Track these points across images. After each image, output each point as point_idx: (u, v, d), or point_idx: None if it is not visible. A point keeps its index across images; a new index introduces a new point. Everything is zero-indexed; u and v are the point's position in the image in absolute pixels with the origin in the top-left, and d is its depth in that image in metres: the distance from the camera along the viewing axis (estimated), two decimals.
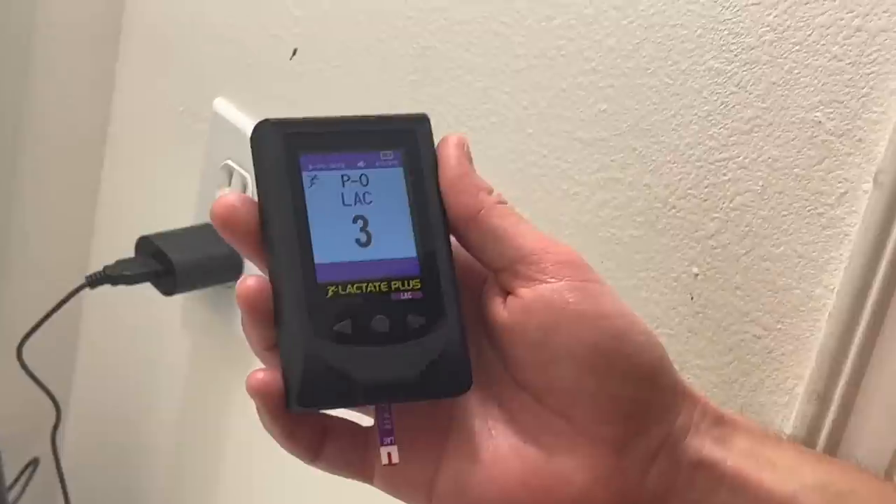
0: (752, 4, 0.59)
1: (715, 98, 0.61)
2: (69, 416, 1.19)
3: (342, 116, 0.50)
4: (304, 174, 0.48)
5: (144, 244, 0.95)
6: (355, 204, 0.49)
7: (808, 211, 0.58)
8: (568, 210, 0.69)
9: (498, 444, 0.49)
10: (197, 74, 0.99)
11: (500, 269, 0.49)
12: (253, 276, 0.47)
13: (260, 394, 0.47)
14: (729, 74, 0.60)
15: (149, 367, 1.13)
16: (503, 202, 0.50)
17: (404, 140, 0.50)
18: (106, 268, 0.93)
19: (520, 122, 0.72)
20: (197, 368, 1.07)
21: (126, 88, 1.09)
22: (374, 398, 0.48)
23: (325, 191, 0.48)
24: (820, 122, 0.57)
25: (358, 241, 0.48)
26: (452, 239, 0.50)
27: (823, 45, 0.56)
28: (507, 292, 0.49)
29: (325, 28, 0.85)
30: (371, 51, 0.82)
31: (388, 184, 0.49)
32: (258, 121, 0.49)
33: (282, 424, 0.48)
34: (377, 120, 0.50)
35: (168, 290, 0.95)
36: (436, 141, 0.52)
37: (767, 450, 0.51)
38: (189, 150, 1.01)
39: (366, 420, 0.51)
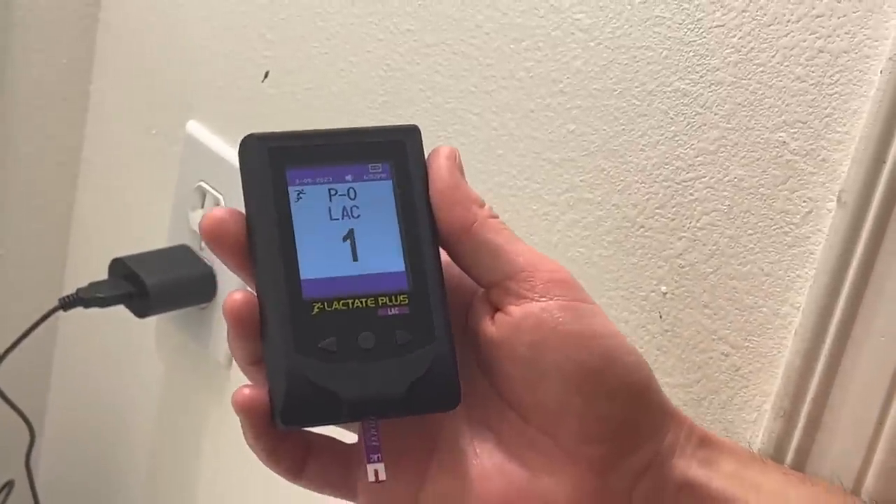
0: (717, 26, 0.59)
1: (681, 119, 0.61)
2: (43, 439, 1.18)
3: (331, 129, 0.49)
4: (291, 188, 0.47)
5: (118, 266, 0.94)
6: (343, 218, 0.48)
7: (774, 230, 0.58)
8: (538, 230, 0.69)
9: (483, 462, 0.49)
10: (170, 97, 0.99)
11: (491, 284, 0.48)
12: (240, 290, 0.47)
13: (245, 410, 0.46)
14: (694, 95, 0.60)
15: (123, 389, 1.12)
16: (495, 216, 0.49)
17: (394, 152, 0.49)
18: (79, 290, 0.93)
19: (489, 144, 0.72)
20: (171, 390, 1.06)
21: (100, 110, 1.09)
22: (360, 414, 0.47)
23: (311, 205, 0.47)
24: (784, 142, 0.57)
25: (345, 255, 0.47)
26: (442, 253, 0.49)
27: (787, 66, 0.57)
28: (496, 308, 0.48)
29: (296, 51, 0.85)
30: (342, 73, 0.82)
31: (376, 197, 0.48)
32: (245, 135, 0.48)
33: (265, 441, 0.47)
34: (366, 132, 0.49)
35: (142, 312, 0.94)
36: (426, 152, 0.51)
37: (753, 472, 0.50)
38: (162, 173, 1.00)
39: (349, 437, 0.51)
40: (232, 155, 0.92)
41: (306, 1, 0.84)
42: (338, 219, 0.48)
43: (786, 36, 0.56)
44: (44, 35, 1.05)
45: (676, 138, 0.61)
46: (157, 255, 0.95)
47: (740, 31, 0.58)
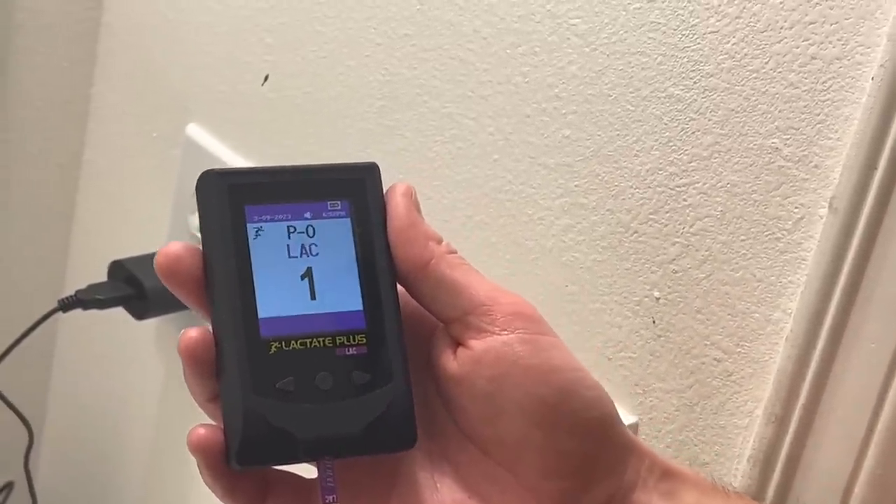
0: (711, 32, 0.59)
1: (675, 124, 0.61)
2: (42, 440, 1.19)
3: (290, 165, 0.49)
4: (249, 225, 0.46)
5: (117, 268, 0.95)
6: (301, 256, 0.47)
7: (766, 236, 0.58)
8: (533, 235, 0.70)
9: (443, 497, 0.48)
10: (171, 100, 0.99)
11: (451, 319, 0.48)
12: (195, 327, 0.46)
13: (200, 451, 0.46)
14: (688, 101, 0.60)
15: (122, 391, 1.12)
16: (453, 251, 0.49)
17: (352, 190, 0.48)
18: (78, 292, 0.93)
19: (485, 148, 0.72)
20: (170, 392, 1.06)
21: (101, 114, 1.09)
22: (316, 454, 0.46)
23: (270, 242, 0.47)
24: (777, 148, 0.57)
25: (303, 294, 0.47)
26: (401, 289, 0.49)
27: (780, 72, 0.57)
28: (457, 343, 0.48)
29: (295, 55, 0.85)
30: (340, 77, 0.82)
31: (335, 235, 0.48)
32: (205, 171, 0.48)
33: (222, 481, 0.46)
34: (326, 169, 0.49)
35: (141, 315, 0.95)
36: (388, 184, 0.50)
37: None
38: (162, 175, 1.00)
39: (310, 471, 0.50)
40: (233, 158, 0.92)
41: (306, 6, 0.84)
42: (296, 256, 0.47)
43: (779, 42, 0.57)
44: (45, 38, 1.06)
45: (670, 144, 0.62)
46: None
47: (734, 37, 0.58)
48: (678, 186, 0.61)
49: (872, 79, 0.53)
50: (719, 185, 0.60)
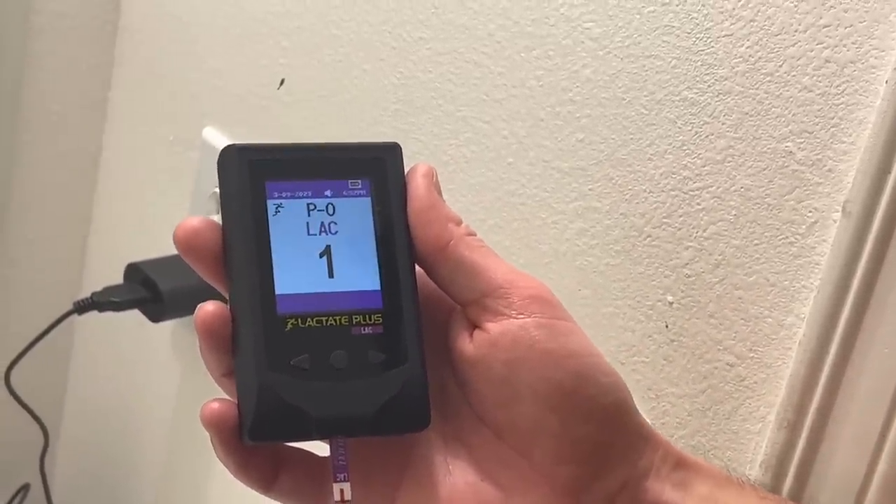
0: (725, 36, 0.59)
1: (689, 128, 0.61)
2: (58, 442, 1.19)
3: (312, 143, 0.49)
4: (270, 202, 0.47)
5: (133, 271, 0.95)
6: (320, 234, 0.47)
7: (780, 240, 0.58)
8: (547, 238, 0.70)
9: (455, 480, 0.48)
10: (187, 104, 1.00)
11: (468, 302, 0.48)
12: (212, 301, 0.47)
13: (213, 425, 0.46)
14: (702, 105, 0.60)
15: (138, 394, 1.12)
16: (472, 234, 0.49)
17: (374, 169, 0.49)
18: (94, 294, 0.93)
19: (499, 152, 0.72)
20: (186, 395, 1.06)
21: (118, 117, 1.10)
22: (328, 433, 0.47)
23: (289, 219, 0.47)
24: (791, 152, 0.57)
25: (321, 272, 0.47)
26: (420, 271, 0.49)
27: (794, 76, 0.57)
28: (474, 326, 0.48)
29: (311, 58, 0.86)
30: (356, 81, 0.82)
31: (354, 214, 0.48)
32: (226, 146, 0.48)
33: (235, 456, 0.47)
34: (347, 148, 0.49)
35: (156, 317, 0.95)
36: (409, 165, 0.50)
37: (727, 495, 0.50)
38: (179, 179, 1.01)
39: (324, 449, 0.50)
40: None
41: (321, 9, 0.84)
42: (315, 234, 0.47)
43: (793, 46, 0.56)
44: (63, 41, 1.06)
45: (684, 148, 0.61)
46: (172, 261, 0.96)
47: (748, 40, 0.58)
48: (692, 190, 0.61)
49: (886, 82, 0.53)
50: (733, 188, 0.59)
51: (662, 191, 0.63)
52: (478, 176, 0.74)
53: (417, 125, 0.77)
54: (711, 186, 0.60)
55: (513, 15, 0.70)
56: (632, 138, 0.64)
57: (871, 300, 0.54)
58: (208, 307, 0.46)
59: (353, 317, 0.47)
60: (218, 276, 0.47)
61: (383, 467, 0.49)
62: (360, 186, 0.48)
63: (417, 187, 0.49)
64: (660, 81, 0.62)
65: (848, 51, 0.54)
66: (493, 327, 0.47)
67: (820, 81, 0.56)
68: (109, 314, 0.95)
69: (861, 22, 0.54)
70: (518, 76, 0.70)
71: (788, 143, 0.57)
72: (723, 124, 0.60)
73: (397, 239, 0.48)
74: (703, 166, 0.61)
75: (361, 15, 0.81)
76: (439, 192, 0.49)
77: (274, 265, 0.46)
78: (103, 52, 1.08)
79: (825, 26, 0.55)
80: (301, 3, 0.86)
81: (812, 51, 0.56)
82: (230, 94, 0.95)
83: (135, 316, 0.95)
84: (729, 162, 0.60)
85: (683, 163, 0.62)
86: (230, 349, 0.47)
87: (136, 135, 1.08)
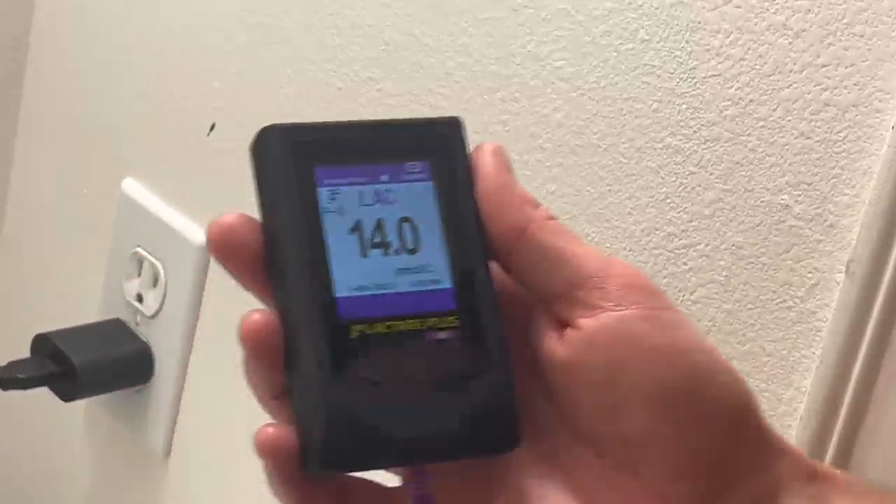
0: (712, 76, 0.60)
1: (673, 179, 0.62)
2: None
3: (360, 121, 0.48)
4: (321, 189, 0.45)
5: (41, 343, 0.94)
6: (379, 225, 0.46)
7: (776, 304, 0.58)
8: None
9: None
10: (104, 153, 1.00)
11: (555, 295, 0.46)
12: (259, 309, 0.44)
13: (270, 453, 0.44)
14: (688, 153, 0.61)
15: (49, 480, 1.11)
16: (553, 217, 0.47)
17: (434, 148, 0.47)
18: None
19: None
20: (102, 483, 1.05)
21: (25, 167, 1.09)
22: (410, 458, 0.45)
23: (344, 210, 0.45)
24: (787, 205, 0.58)
25: (384, 269, 0.46)
26: (492, 264, 0.47)
27: (790, 120, 0.57)
28: (563, 324, 0.46)
29: (246, 101, 0.86)
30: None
31: (416, 200, 0.46)
32: (263, 128, 0.46)
33: (297, 491, 0.45)
34: (401, 125, 0.48)
35: (69, 395, 0.94)
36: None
37: None
38: (94, 238, 1.00)
39: (390, 479, 0.49)
40: (172, 217, 0.92)
41: (257, 44, 0.84)
42: (373, 226, 0.46)
43: (788, 87, 0.57)
44: None
45: (668, 200, 0.62)
46: (86, 331, 0.95)
47: (738, 81, 0.59)
48: (677, 248, 0.62)
49: (893, 127, 0.54)
50: (723, 246, 0.60)
51: (644, 249, 0.63)
52: None
53: None
54: (699, 244, 0.61)
55: (474, 52, 0.71)
56: (609, 190, 0.65)
57: (880, 372, 0.54)
58: (255, 316, 0.44)
59: (426, 320, 0.45)
60: (259, 280, 0.45)
61: (467, 496, 0.47)
62: (419, 169, 0.47)
63: (486, 165, 0.47)
64: (640, 126, 0.63)
65: (849, 93, 0.55)
66: (588, 323, 0.45)
67: (818, 127, 0.56)
68: (14, 393, 0.93)
69: (863, 61, 0.55)
70: (481, 120, 0.71)
71: (784, 196, 0.58)
72: (711, 174, 0.60)
73: (467, 227, 0.46)
74: (690, 221, 0.61)
75: (303, 51, 0.81)
76: (511, 172, 0.48)
77: (330, 263, 0.45)
78: (9, 94, 1.08)
79: (824, 66, 0.56)
80: (231, 40, 0.87)
81: (809, 93, 0.57)
82: (153, 141, 0.95)
83: (44, 394, 0.94)
84: (718, 217, 0.60)
85: (668, 217, 0.62)
86: (282, 365, 0.45)
87: (46, 187, 1.08)
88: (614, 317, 0.45)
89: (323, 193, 0.45)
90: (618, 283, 0.45)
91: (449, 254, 0.46)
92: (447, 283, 0.46)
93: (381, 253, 0.46)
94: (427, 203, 0.47)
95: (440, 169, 0.47)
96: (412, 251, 0.46)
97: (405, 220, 0.46)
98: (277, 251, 0.45)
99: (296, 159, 0.45)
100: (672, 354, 0.45)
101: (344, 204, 0.46)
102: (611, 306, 0.45)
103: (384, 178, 0.46)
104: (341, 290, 0.45)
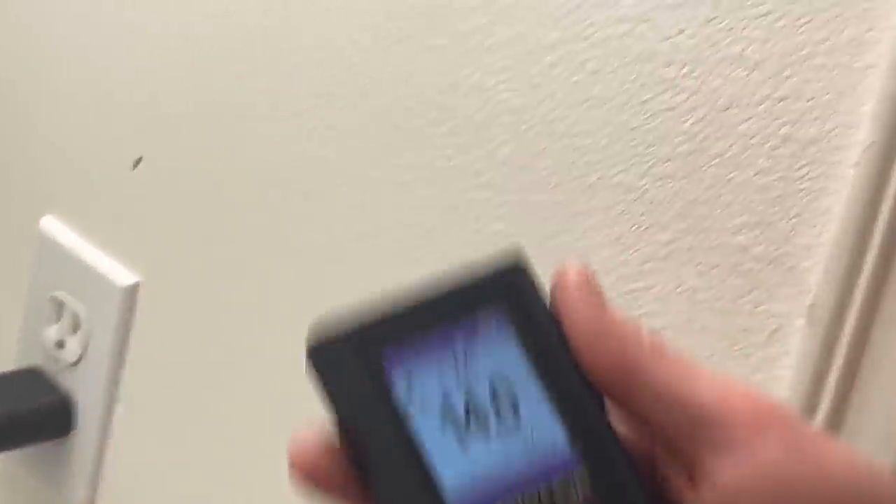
0: (666, 110, 0.59)
1: (626, 218, 0.61)
2: None
3: (404, 290, 0.44)
4: (394, 379, 0.43)
5: None
6: (469, 396, 0.43)
7: (736, 350, 0.58)
8: None
9: None
10: (20, 189, 0.98)
11: (675, 437, 0.43)
12: None
13: None
14: (641, 190, 0.60)
15: None
16: (659, 342, 0.44)
17: (503, 295, 0.44)
18: None
19: (402, 244, 0.71)
20: None
21: None
22: None
23: (425, 393, 0.43)
24: (745, 247, 0.57)
25: (490, 446, 0.43)
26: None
27: (748, 157, 0.57)
28: (690, 468, 0.43)
29: (174, 134, 0.85)
30: (226, 162, 0.81)
31: (501, 360, 0.43)
32: (310, 338, 0.43)
33: None
34: (455, 280, 0.44)
35: None
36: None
37: None
38: (10, 281, 0.99)
39: None
40: (95, 257, 0.91)
41: (184, 73, 0.83)
42: (461, 399, 0.43)
43: (746, 122, 0.57)
44: None
45: (621, 241, 0.61)
46: (1, 381, 0.93)
47: (692, 115, 0.58)
48: (631, 291, 0.61)
49: (856, 165, 0.53)
50: (679, 289, 0.59)
51: None
52: (377, 275, 0.73)
53: (304, 213, 0.76)
54: (654, 287, 0.60)
55: (415, 83, 0.70)
56: (559, 229, 0.64)
57: (844, 424, 0.53)
58: None
59: (553, 493, 0.43)
60: (360, 498, 0.43)
61: None
62: (494, 324, 0.44)
63: (574, 301, 0.44)
64: (590, 162, 0.62)
65: (810, 127, 0.55)
66: (722, 467, 0.42)
67: (778, 163, 0.56)
68: None
69: (825, 94, 0.54)
70: (424, 156, 0.70)
71: (742, 237, 0.57)
72: (665, 214, 0.60)
73: (567, 375, 0.43)
74: (644, 263, 0.61)
75: (236, 81, 0.80)
76: (601, 298, 0.44)
77: (435, 470, 0.42)
78: None
79: (782, 99, 0.56)
80: (153, 76, 0.86)
81: (768, 127, 0.56)
82: (74, 177, 0.93)
83: None
84: (673, 258, 0.59)
85: (620, 259, 0.61)
86: None
87: None
88: (752, 457, 0.42)
89: (397, 382, 0.43)
90: (744, 413, 0.42)
91: (557, 410, 0.43)
92: (565, 445, 0.43)
93: (481, 433, 0.43)
94: (514, 359, 0.44)
95: (517, 317, 0.44)
96: (515, 415, 0.43)
97: (496, 383, 0.43)
98: (369, 465, 0.43)
99: (358, 356, 0.43)
100: (828, 489, 0.42)
101: (423, 386, 0.43)
102: (742, 446, 0.42)
103: (458, 344, 0.44)
104: (451, 484, 0.42)
